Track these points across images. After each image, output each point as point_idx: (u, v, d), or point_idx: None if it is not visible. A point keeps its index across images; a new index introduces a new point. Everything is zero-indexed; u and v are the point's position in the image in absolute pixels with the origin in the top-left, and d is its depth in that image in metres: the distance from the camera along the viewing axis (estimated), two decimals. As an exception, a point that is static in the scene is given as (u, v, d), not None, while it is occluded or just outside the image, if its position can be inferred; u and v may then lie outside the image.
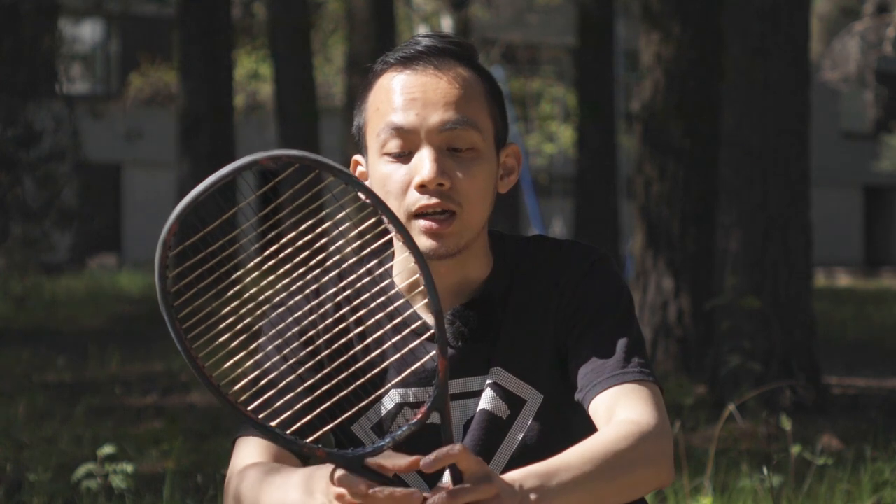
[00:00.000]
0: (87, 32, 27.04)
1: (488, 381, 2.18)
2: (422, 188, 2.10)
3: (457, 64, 2.17)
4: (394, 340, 2.15)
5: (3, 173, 12.88)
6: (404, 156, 2.13)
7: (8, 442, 6.51)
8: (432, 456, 1.81)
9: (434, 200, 2.10)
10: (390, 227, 1.88)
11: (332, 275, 2.22)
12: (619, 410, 2.06)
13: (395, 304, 2.19)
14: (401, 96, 2.14)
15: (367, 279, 2.22)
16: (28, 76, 12.94)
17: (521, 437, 2.18)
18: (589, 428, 2.10)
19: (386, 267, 2.23)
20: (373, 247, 2.12)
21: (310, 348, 2.19)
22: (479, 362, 2.17)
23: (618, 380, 2.09)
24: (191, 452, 6.26)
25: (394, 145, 2.13)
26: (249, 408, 1.90)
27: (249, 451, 2.15)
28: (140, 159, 26.44)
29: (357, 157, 2.24)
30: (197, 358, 1.86)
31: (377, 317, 2.19)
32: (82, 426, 7.00)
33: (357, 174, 2.23)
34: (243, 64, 23.98)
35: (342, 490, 1.84)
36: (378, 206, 1.87)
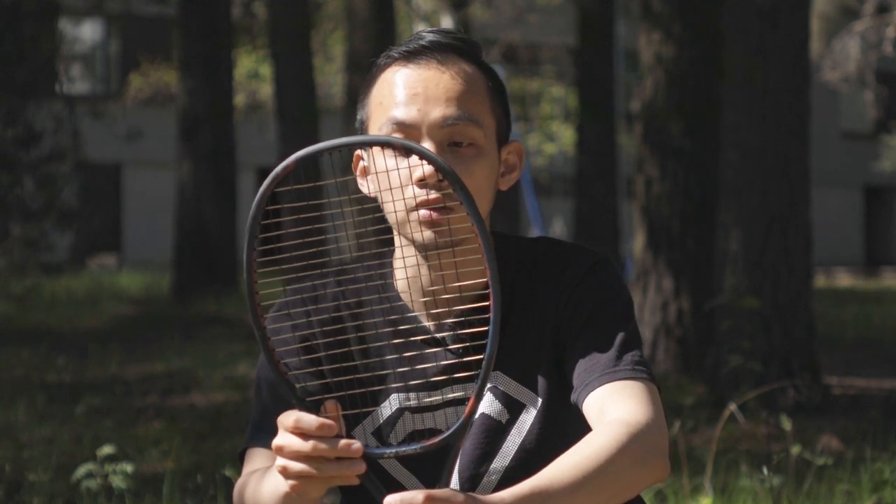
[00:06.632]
0: (87, 32, 27.02)
1: (488, 386, 2.17)
2: (422, 183, 2.09)
3: (460, 59, 2.16)
4: (394, 344, 2.14)
5: (4, 173, 12.88)
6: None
7: (8, 442, 6.51)
8: (396, 498, 1.82)
9: (434, 195, 2.08)
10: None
11: (330, 278, 2.21)
12: (610, 408, 2.05)
13: (395, 308, 2.18)
14: (403, 91, 2.13)
15: (367, 281, 2.21)
16: (28, 76, 12.95)
17: (520, 441, 2.17)
18: (586, 430, 2.08)
19: (386, 268, 2.22)
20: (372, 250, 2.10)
21: (310, 356, 2.18)
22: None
23: (609, 378, 2.08)
24: (191, 452, 6.26)
25: None
26: None
27: (260, 461, 2.15)
28: (140, 159, 26.43)
29: (359, 151, 2.22)
30: (256, 293, 1.91)
31: (377, 320, 2.18)
32: (82, 426, 7.00)
33: (359, 169, 2.22)
34: (243, 64, 23.98)
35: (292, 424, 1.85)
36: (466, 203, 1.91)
